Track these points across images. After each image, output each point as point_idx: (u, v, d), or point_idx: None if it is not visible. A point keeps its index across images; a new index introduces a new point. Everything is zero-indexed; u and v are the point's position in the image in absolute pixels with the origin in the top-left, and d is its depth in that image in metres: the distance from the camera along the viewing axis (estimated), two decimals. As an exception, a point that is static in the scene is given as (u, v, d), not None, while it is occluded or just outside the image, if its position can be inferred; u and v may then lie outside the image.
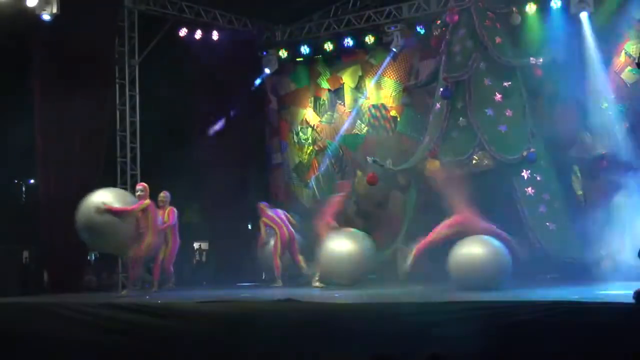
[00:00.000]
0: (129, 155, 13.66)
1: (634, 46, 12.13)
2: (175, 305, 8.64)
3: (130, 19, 13.80)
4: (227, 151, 14.62)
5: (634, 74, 12.00)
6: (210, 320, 7.62)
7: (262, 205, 12.87)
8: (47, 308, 9.39)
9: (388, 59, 14.64)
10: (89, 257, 13.10)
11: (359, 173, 14.94)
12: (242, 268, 13.90)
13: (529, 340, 5.95)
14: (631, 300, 6.15)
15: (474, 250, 10.27)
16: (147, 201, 10.97)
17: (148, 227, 10.83)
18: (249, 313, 7.81)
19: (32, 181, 13.76)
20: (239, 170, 14.41)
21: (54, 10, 11.88)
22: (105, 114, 13.18)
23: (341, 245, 12.00)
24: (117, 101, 13.67)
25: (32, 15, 11.96)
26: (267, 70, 15.66)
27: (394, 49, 14.30)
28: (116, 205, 10.47)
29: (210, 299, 8.99)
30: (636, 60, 11.54)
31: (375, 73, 15.04)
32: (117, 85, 13.70)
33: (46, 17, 11.91)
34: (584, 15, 12.33)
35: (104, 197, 10.52)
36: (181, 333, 7.83)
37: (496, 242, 10.39)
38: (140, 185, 11.33)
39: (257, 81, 15.71)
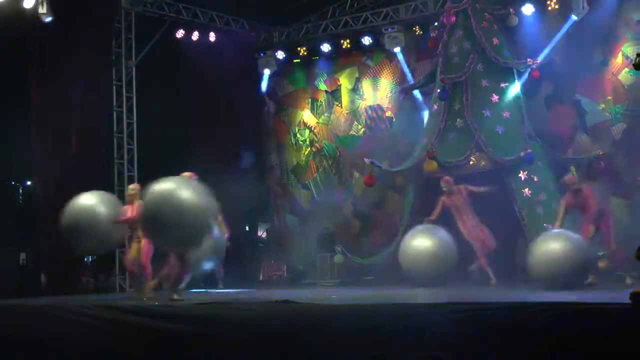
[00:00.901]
0: (125, 157, 13.66)
1: (631, 48, 12.14)
2: (173, 307, 8.61)
3: (127, 20, 13.82)
4: (226, 152, 14.62)
5: (631, 75, 12.00)
6: (208, 322, 7.61)
7: None
8: (45, 310, 9.36)
9: (403, 64, 14.50)
10: (86, 259, 13.05)
11: (356, 174, 14.93)
12: (240, 269, 13.88)
13: (526, 342, 5.95)
14: (627, 301, 6.16)
15: (554, 245, 9.68)
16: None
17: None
18: (247, 314, 7.80)
19: (29, 183, 13.72)
20: (237, 172, 14.40)
21: (52, 12, 11.87)
22: (101, 116, 13.18)
23: (422, 243, 11.58)
24: (114, 103, 13.66)
25: (29, 16, 11.95)
26: (264, 72, 15.66)
27: (394, 50, 14.26)
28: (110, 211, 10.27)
29: (207, 301, 8.99)
30: (633, 62, 11.53)
31: (373, 74, 15.05)
32: (114, 87, 13.70)
33: (44, 18, 11.89)
34: (573, 18, 12.34)
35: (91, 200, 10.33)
36: (178, 335, 7.82)
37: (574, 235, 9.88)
38: (134, 185, 10.96)
39: (264, 82, 15.68)
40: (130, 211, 10.40)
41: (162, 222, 8.88)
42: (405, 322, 6.45)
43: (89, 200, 10.40)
